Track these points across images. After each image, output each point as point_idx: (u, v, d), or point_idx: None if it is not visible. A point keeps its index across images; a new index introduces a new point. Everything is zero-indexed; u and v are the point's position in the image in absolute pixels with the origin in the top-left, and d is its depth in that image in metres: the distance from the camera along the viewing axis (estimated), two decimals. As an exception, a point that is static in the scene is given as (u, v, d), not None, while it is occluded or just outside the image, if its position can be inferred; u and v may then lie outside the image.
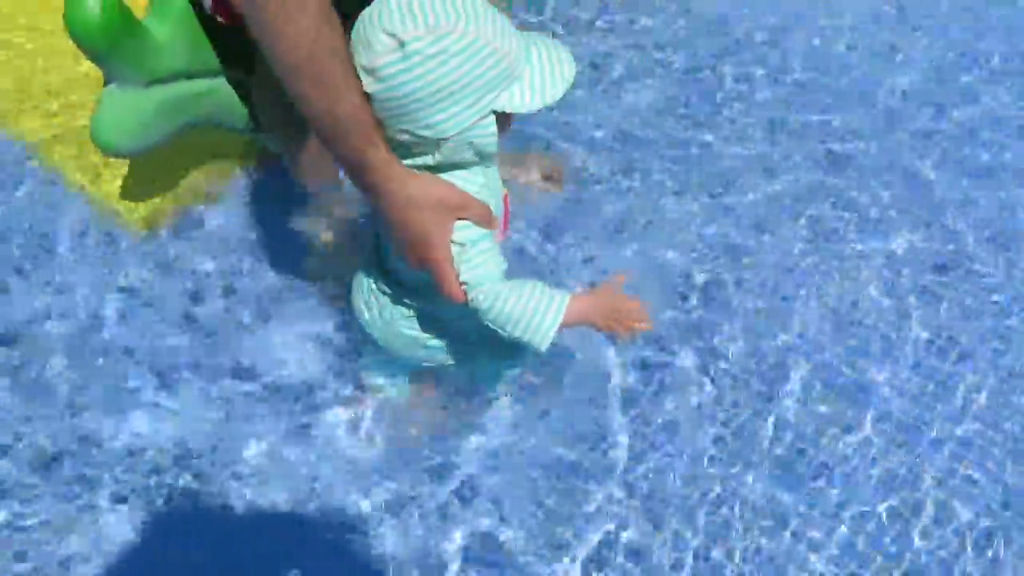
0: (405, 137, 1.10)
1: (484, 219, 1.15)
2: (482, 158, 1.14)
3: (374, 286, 1.33)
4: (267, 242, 1.93)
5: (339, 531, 1.55)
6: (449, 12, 1.02)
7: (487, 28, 1.04)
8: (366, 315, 1.37)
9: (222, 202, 1.98)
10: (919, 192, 2.13)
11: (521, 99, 1.09)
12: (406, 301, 1.32)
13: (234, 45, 1.44)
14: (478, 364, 1.50)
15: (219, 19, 1.40)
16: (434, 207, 1.11)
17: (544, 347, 1.16)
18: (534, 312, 1.15)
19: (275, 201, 1.94)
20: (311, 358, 1.75)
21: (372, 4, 1.05)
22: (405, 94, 1.05)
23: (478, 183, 1.16)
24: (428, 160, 1.13)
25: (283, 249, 1.89)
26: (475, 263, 1.14)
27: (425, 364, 1.43)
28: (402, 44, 1.01)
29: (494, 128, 1.10)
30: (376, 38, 1.02)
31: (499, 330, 1.17)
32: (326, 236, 1.83)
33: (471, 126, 1.08)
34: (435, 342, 1.37)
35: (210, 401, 1.69)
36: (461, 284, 1.15)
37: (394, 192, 1.10)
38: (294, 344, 1.77)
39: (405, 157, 1.12)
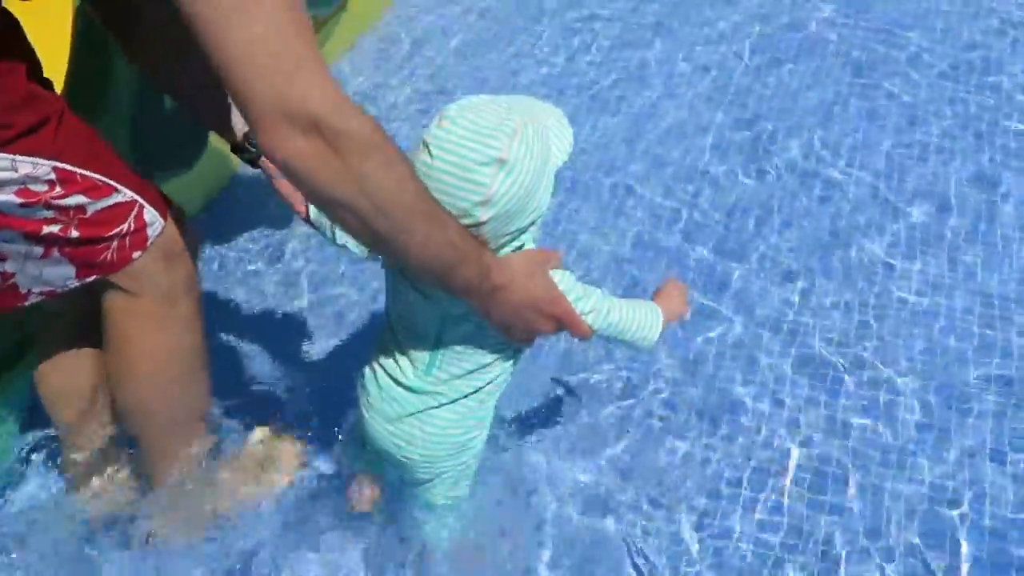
0: (507, 237, 1.17)
1: (558, 259, 1.24)
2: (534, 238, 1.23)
3: (411, 402, 1.29)
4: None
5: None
6: (502, 112, 1.11)
7: (524, 106, 1.17)
8: (401, 443, 1.32)
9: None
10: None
11: (559, 153, 1.18)
12: (462, 390, 1.30)
13: None
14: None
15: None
16: (534, 272, 1.19)
17: (655, 340, 1.32)
18: (641, 311, 1.31)
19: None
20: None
21: (432, 148, 1.10)
22: (519, 198, 1.11)
23: (534, 237, 1.25)
24: (520, 243, 1.20)
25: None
26: (579, 293, 1.24)
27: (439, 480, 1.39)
28: (503, 163, 1.08)
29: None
30: (477, 173, 1.09)
31: (618, 337, 1.30)
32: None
33: (545, 203, 1.18)
34: (478, 440, 1.38)
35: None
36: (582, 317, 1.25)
37: (511, 279, 1.16)
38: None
39: (501, 251, 1.19)
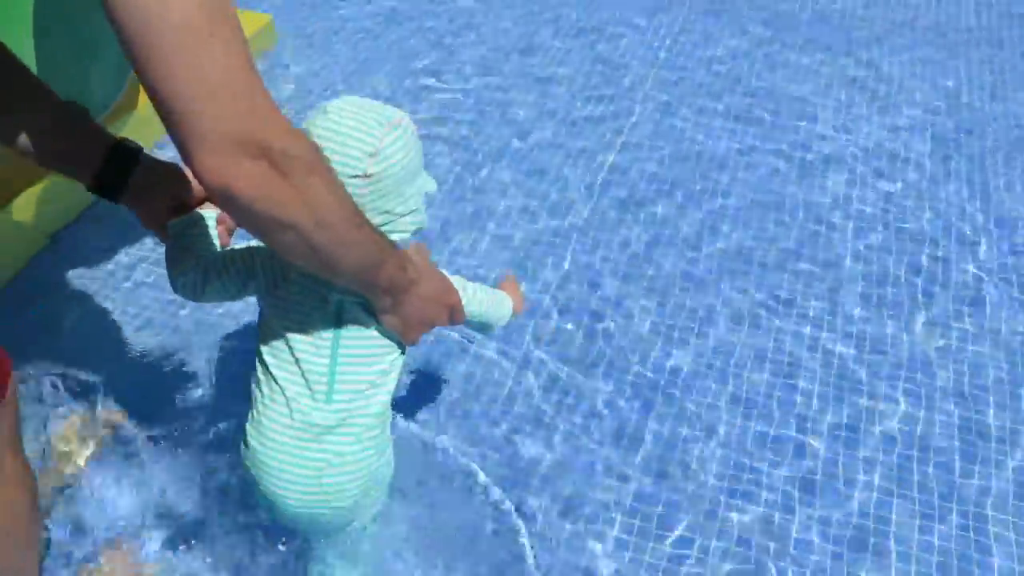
0: (383, 216, 1.18)
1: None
2: (413, 234, 1.25)
3: (331, 421, 1.22)
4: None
5: None
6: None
7: None
8: (306, 487, 1.23)
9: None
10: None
11: (427, 184, 1.23)
12: (370, 413, 1.25)
13: None
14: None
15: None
16: (430, 266, 1.25)
17: (506, 323, 1.43)
18: (496, 296, 1.40)
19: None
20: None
21: (327, 113, 1.15)
22: (403, 167, 1.16)
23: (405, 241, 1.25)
24: (396, 238, 1.20)
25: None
26: (455, 282, 1.31)
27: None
28: (394, 125, 1.15)
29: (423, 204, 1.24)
30: (371, 126, 1.14)
31: (479, 320, 1.37)
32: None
33: (418, 200, 1.22)
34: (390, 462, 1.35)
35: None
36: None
37: (419, 273, 1.20)
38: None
39: None
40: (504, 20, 3.04)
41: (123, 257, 2.11)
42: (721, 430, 1.77)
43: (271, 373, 1.21)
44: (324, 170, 0.98)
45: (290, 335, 1.21)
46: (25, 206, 2.04)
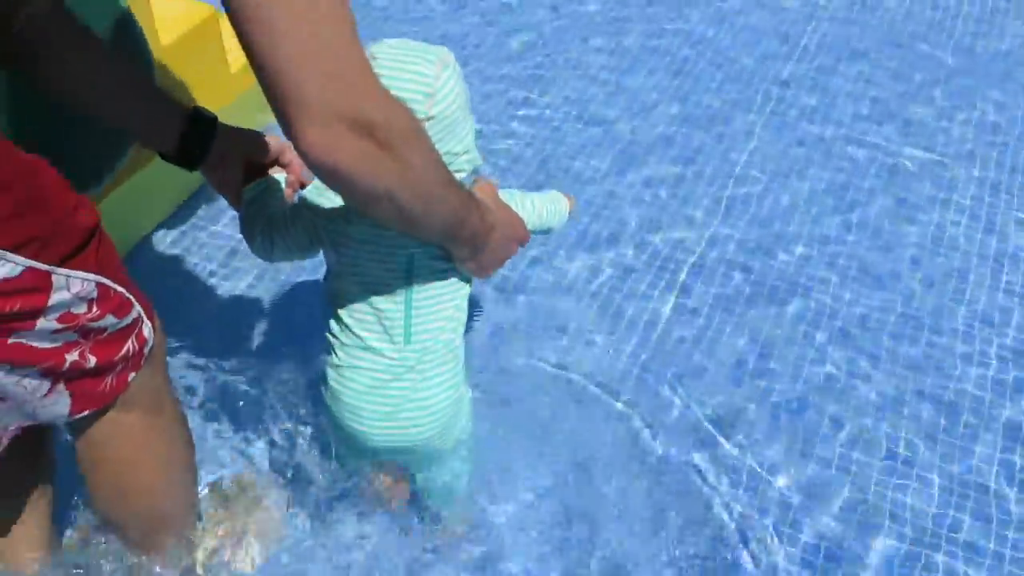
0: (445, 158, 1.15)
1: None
2: (469, 174, 1.24)
3: (394, 371, 1.25)
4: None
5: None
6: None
7: None
8: (387, 421, 1.27)
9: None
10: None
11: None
12: (439, 351, 1.27)
13: None
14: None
15: None
16: (500, 203, 1.25)
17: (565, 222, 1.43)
18: (550, 199, 1.39)
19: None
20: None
21: (375, 59, 1.11)
22: (458, 105, 1.14)
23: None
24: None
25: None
26: (517, 206, 1.32)
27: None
28: (444, 64, 1.13)
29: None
30: (423, 66, 1.12)
31: (546, 226, 1.39)
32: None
33: (472, 138, 1.20)
34: (467, 394, 1.36)
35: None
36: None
37: (495, 215, 1.21)
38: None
39: None
40: None
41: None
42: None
43: (344, 323, 1.25)
44: (423, 137, 0.98)
45: (361, 287, 1.23)
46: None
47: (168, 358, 1.23)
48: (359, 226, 1.19)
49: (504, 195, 1.30)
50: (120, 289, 1.03)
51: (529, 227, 1.33)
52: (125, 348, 1.07)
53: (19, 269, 0.88)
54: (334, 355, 1.27)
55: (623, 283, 1.97)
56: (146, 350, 1.11)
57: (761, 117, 2.43)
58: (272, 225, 1.27)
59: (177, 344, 1.75)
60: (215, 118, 1.28)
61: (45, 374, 1.00)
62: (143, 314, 1.09)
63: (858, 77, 2.57)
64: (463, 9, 2.81)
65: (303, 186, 1.33)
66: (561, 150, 2.32)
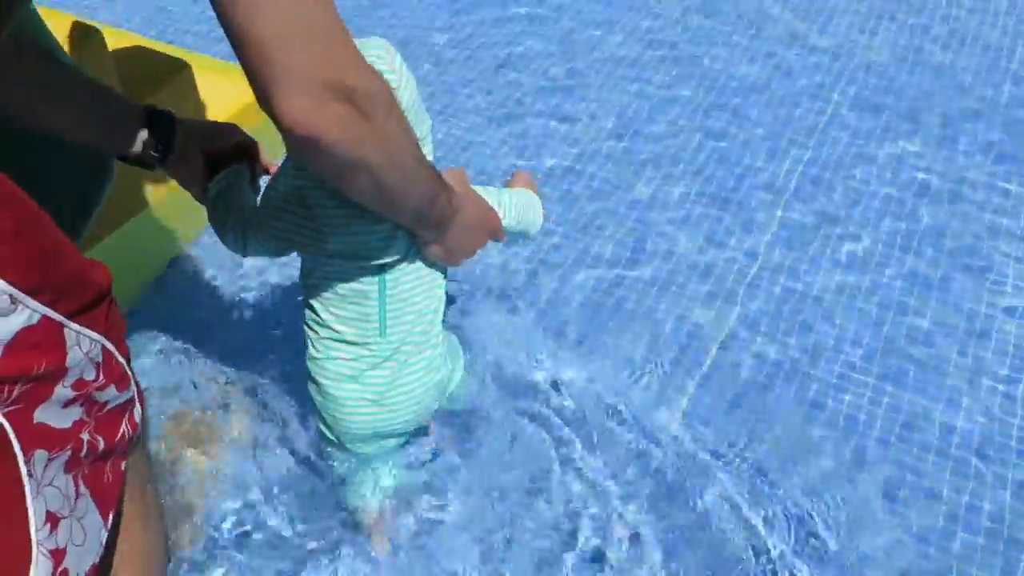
0: None
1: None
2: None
3: (387, 352, 1.26)
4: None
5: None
6: None
7: None
8: (370, 407, 1.29)
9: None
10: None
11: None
12: (427, 329, 1.28)
13: None
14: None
15: None
16: (468, 190, 1.23)
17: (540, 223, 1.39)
18: (525, 197, 1.36)
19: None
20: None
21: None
22: (412, 87, 1.14)
23: None
24: None
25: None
26: (492, 199, 1.29)
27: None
28: (388, 48, 1.13)
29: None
30: (379, 53, 1.10)
31: (516, 229, 1.34)
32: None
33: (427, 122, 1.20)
34: (454, 375, 1.38)
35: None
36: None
37: (462, 199, 1.19)
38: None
39: None
40: None
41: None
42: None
43: (320, 317, 1.25)
44: (398, 109, 1.00)
45: (336, 283, 1.23)
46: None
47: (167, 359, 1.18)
48: (336, 244, 1.19)
49: (480, 190, 1.29)
50: (121, 360, 0.95)
51: (507, 222, 1.32)
52: (121, 431, 0.95)
53: (37, 317, 0.79)
54: (312, 348, 1.28)
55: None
56: (137, 435, 1.00)
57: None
58: (245, 224, 1.26)
59: (177, 343, 1.73)
60: (172, 113, 1.27)
61: (68, 466, 0.85)
62: (136, 395, 1.00)
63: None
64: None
65: (267, 172, 1.32)
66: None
